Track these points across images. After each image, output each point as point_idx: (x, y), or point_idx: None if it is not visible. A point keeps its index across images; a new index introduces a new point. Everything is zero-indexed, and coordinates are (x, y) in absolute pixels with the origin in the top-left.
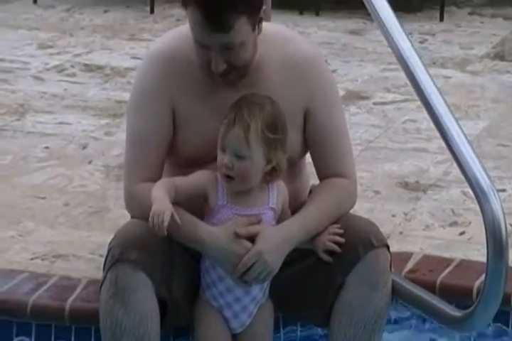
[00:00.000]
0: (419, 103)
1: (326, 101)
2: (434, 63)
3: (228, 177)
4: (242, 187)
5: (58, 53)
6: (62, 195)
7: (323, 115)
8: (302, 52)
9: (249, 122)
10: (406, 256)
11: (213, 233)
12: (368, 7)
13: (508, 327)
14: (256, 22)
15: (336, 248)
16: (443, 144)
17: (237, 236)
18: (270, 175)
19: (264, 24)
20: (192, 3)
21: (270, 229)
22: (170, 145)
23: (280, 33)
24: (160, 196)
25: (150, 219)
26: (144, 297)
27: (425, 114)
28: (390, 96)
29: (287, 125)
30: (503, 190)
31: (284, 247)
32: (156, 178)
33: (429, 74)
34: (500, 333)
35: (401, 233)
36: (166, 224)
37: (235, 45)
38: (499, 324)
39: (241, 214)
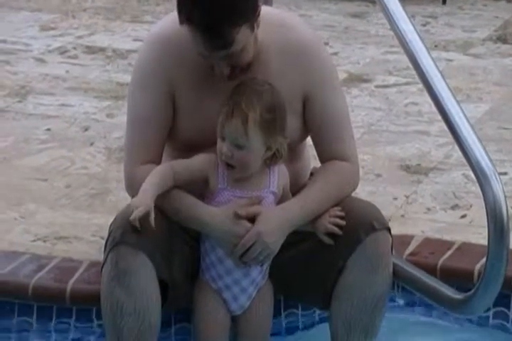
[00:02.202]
0: (421, 86)
1: (325, 85)
2: (436, 46)
3: (229, 166)
4: (243, 174)
5: (60, 35)
6: (63, 177)
7: (323, 99)
8: (300, 38)
9: (247, 113)
10: (407, 239)
11: (214, 213)
12: None
13: (508, 310)
14: (255, 23)
15: (337, 230)
16: (445, 127)
17: (238, 216)
18: (271, 160)
19: (263, 8)
20: (190, 23)
21: (270, 209)
22: (170, 129)
23: (279, 18)
24: (147, 188)
25: (126, 211)
26: (145, 279)
27: (427, 96)
28: (392, 79)
29: (287, 110)
30: (505, 173)
31: (284, 228)
32: (156, 160)
33: (431, 57)
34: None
35: (402, 216)
36: (131, 218)
37: (238, 52)
38: (500, 308)
39: (241, 196)
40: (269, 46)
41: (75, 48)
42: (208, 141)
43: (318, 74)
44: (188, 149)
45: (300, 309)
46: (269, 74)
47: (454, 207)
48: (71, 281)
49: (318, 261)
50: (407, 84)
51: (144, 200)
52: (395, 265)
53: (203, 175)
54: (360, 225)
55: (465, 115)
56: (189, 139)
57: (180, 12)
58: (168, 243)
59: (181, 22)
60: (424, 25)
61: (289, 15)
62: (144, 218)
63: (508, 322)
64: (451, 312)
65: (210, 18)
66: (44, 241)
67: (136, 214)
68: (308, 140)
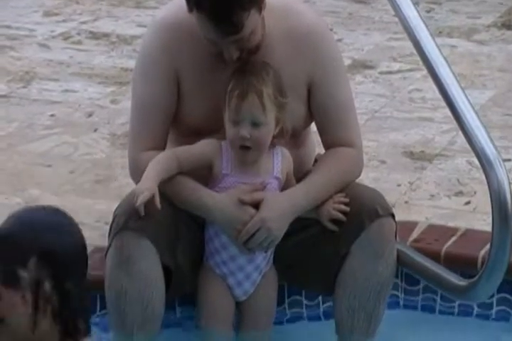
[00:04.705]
0: (425, 72)
1: (330, 72)
2: (440, 32)
3: (245, 148)
4: (257, 155)
5: (64, 21)
6: (67, 163)
7: (328, 86)
8: (305, 24)
9: (261, 88)
10: (411, 226)
11: (218, 199)
12: None
13: None
14: (262, 5)
15: (341, 216)
16: (449, 113)
17: (242, 202)
18: (276, 137)
19: None
20: (200, 10)
21: (275, 195)
22: (174, 115)
23: (284, 4)
24: (149, 175)
25: (130, 197)
26: (149, 265)
27: (431, 83)
28: (396, 66)
29: (291, 95)
30: (509, 160)
31: (288, 214)
32: (160, 147)
33: (435, 43)
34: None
35: (406, 202)
36: (137, 204)
37: (247, 36)
38: (503, 294)
39: (245, 182)
40: (275, 32)
41: (78, 34)
42: (212, 126)
43: (324, 60)
44: (192, 135)
45: (304, 295)
46: (274, 59)
47: (458, 194)
48: None
49: (322, 247)
50: (411, 70)
51: (148, 185)
52: (399, 251)
53: (207, 160)
54: (365, 211)
55: (469, 101)
56: (193, 125)
57: (188, 0)
58: (173, 229)
59: (190, 10)
60: (428, 11)
61: (295, 0)
62: (149, 203)
63: (511, 308)
64: (455, 299)
65: (220, 5)
66: None
67: (141, 199)
68: (313, 126)
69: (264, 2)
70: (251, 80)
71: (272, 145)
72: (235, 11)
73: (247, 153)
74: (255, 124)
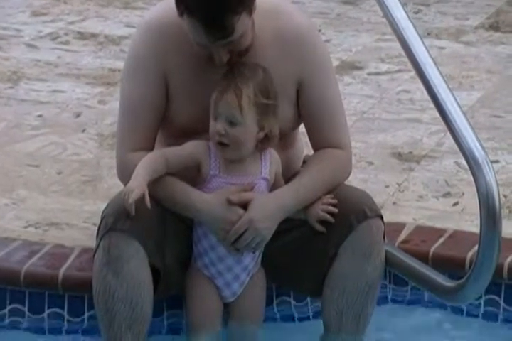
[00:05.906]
0: (413, 73)
1: (319, 73)
2: (428, 34)
3: (222, 145)
4: (236, 154)
5: (52, 21)
6: (55, 164)
7: (317, 87)
8: (295, 26)
9: (241, 88)
10: (399, 227)
11: (206, 199)
12: None
13: (500, 298)
14: (252, 8)
15: (329, 218)
16: (437, 115)
17: (230, 203)
18: (263, 142)
19: None
20: (191, 15)
21: (263, 196)
22: (163, 115)
23: (274, 5)
24: (139, 174)
25: (121, 196)
26: (137, 266)
27: (419, 84)
28: (384, 67)
29: (280, 96)
30: (497, 161)
31: (276, 215)
32: (148, 147)
33: (424, 44)
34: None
35: (394, 203)
36: (130, 201)
37: (237, 39)
38: (491, 295)
39: (233, 183)
40: (264, 33)
41: (66, 34)
42: (200, 128)
43: (312, 62)
44: (180, 136)
45: (293, 296)
46: (263, 60)
47: (446, 195)
48: (63, 268)
49: (310, 248)
50: (399, 71)
51: (138, 183)
52: (387, 252)
53: (195, 161)
54: (353, 213)
55: (457, 102)
56: (182, 126)
57: (178, 4)
58: (161, 230)
59: (181, 14)
60: (416, 12)
61: (284, 1)
62: (139, 201)
63: (499, 309)
64: (443, 300)
65: (212, 9)
66: (36, 228)
67: (132, 197)
68: (301, 127)
69: (255, 5)
70: (235, 79)
71: (259, 149)
72: (226, 15)
73: (225, 150)
74: (231, 123)
